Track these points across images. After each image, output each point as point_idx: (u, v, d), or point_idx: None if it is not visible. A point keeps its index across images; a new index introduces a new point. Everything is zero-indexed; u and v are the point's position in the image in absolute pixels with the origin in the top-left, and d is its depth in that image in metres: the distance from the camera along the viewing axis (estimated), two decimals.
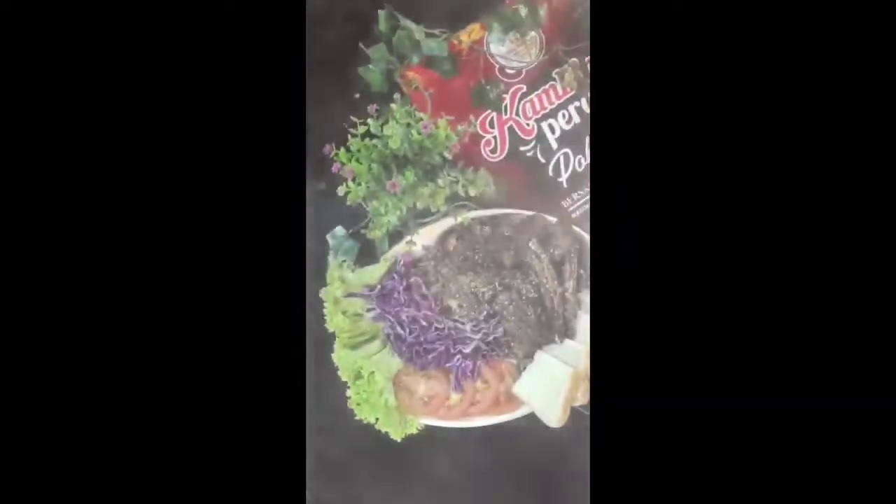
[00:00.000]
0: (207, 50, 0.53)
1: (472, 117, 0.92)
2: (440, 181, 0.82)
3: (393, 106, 0.87)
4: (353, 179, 0.82)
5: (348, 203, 0.84)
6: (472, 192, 0.85)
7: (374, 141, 0.83)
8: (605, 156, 0.54)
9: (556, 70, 1.00)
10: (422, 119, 0.83)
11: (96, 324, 0.50)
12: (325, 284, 0.88)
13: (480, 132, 0.97)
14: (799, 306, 0.51)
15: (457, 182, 0.85)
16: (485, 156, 0.98)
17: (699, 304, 0.52)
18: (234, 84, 0.54)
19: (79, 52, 0.50)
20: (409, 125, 0.83)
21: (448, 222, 0.89)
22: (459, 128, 0.85)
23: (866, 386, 0.49)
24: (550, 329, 0.88)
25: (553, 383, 0.84)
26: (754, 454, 0.50)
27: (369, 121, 0.84)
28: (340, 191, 0.82)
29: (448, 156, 0.82)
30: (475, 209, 0.89)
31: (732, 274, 0.51)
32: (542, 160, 1.00)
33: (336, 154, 0.83)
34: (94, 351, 0.50)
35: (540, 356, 0.87)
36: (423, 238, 0.89)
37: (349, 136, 0.85)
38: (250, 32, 0.54)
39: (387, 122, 0.84)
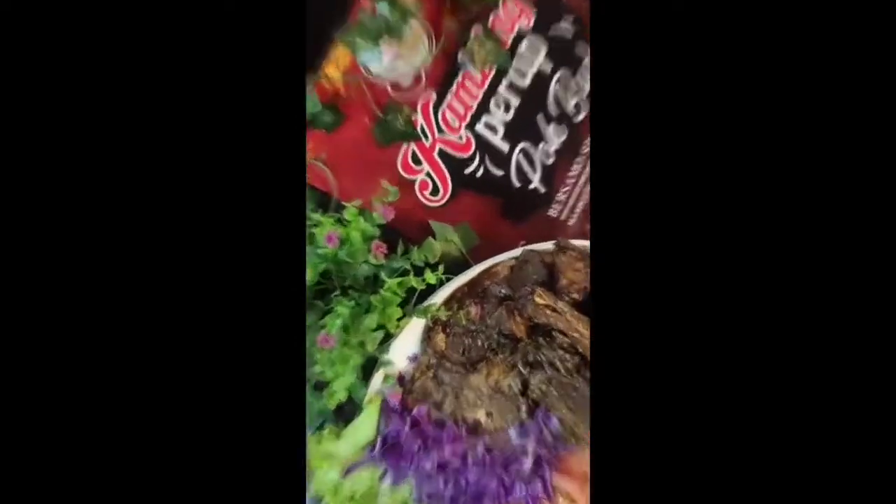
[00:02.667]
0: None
1: (385, 182, 0.66)
2: (384, 291, 0.58)
3: None
4: None
5: None
6: (433, 280, 0.60)
7: None
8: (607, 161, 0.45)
9: (461, 51, 0.74)
10: (320, 223, 0.57)
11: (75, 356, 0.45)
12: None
13: (406, 176, 0.72)
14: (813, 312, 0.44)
15: (407, 273, 0.60)
16: (426, 203, 0.73)
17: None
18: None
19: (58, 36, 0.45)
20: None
21: (420, 322, 0.65)
22: (377, 208, 0.60)
23: None
24: None
25: None
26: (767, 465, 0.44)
27: None
28: None
29: (380, 259, 0.57)
30: (445, 281, 0.65)
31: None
32: (499, 172, 0.74)
33: None
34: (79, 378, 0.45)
35: None
36: (397, 355, 0.65)
37: None
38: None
39: None
